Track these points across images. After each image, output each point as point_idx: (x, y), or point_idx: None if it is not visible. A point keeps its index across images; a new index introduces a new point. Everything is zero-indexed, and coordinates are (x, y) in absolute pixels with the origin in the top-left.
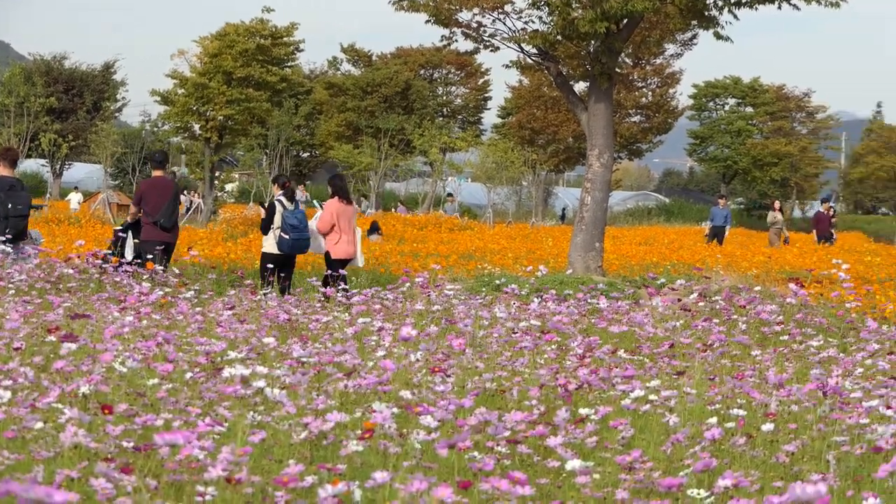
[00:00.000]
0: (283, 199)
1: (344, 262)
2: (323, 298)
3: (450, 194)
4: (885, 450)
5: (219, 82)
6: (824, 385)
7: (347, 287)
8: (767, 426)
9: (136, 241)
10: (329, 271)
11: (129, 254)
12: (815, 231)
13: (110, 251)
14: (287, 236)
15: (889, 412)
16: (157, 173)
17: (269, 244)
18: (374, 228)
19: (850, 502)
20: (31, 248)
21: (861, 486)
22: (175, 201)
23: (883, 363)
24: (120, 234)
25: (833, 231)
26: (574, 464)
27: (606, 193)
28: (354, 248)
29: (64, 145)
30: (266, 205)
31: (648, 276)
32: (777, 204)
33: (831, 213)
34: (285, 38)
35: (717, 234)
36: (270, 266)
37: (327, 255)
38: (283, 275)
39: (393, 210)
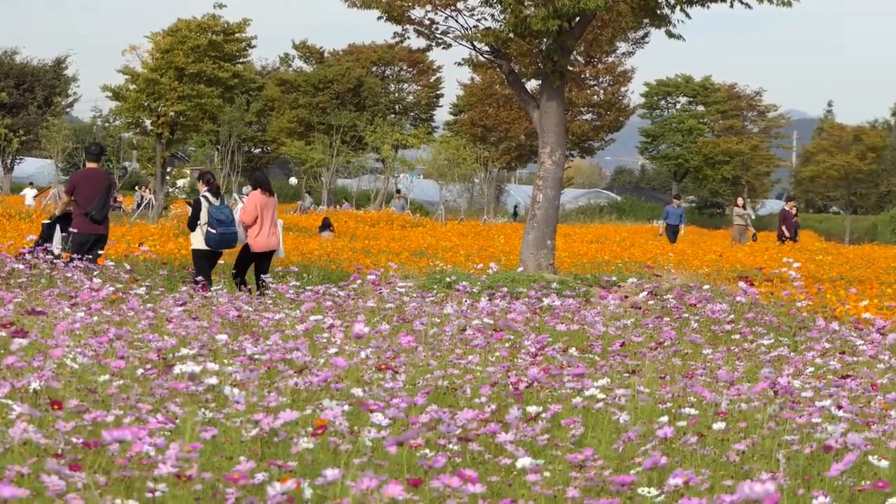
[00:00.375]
0: (208, 195)
1: (265, 255)
2: (243, 286)
3: (398, 190)
4: (834, 449)
5: (170, 78)
6: (774, 384)
7: (269, 279)
8: (719, 425)
9: (65, 234)
10: (246, 264)
11: (56, 247)
12: (782, 228)
13: (37, 243)
14: (214, 231)
15: (839, 412)
16: (91, 165)
17: (198, 240)
18: (325, 225)
19: (801, 501)
20: None
21: (811, 485)
22: (107, 194)
23: (833, 362)
24: (47, 226)
25: (797, 229)
26: (525, 462)
27: (558, 191)
28: (276, 240)
29: (15, 140)
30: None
31: (601, 277)
32: (740, 200)
33: (794, 210)
34: (237, 35)
35: (671, 233)
36: (239, 264)
37: (246, 247)
38: (259, 266)
39: (337, 207)
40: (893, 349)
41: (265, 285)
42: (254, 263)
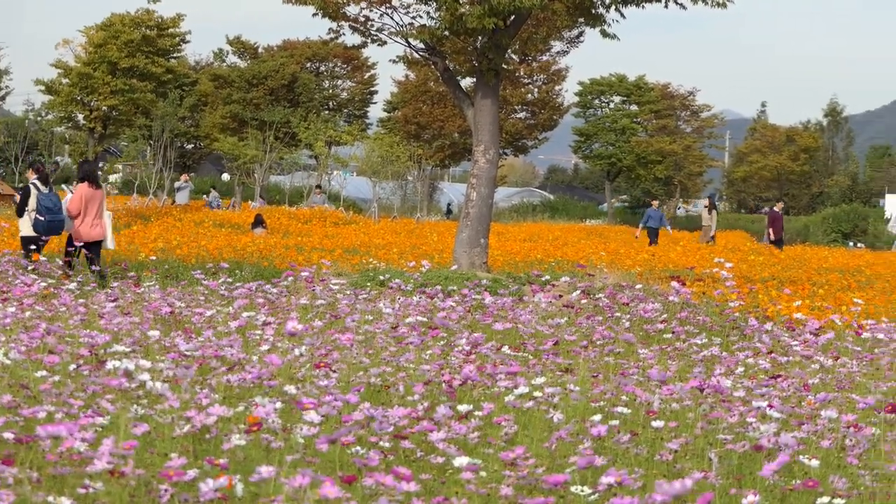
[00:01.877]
0: (37, 182)
1: (93, 244)
2: (67, 269)
3: (318, 186)
4: (766, 448)
5: (103, 72)
6: (704, 383)
7: (99, 268)
8: (657, 423)
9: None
10: (70, 250)
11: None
12: (769, 231)
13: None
14: (42, 218)
15: (771, 411)
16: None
17: (26, 227)
18: (258, 222)
19: (733, 500)
20: None
21: (743, 484)
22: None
23: (764, 362)
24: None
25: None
26: (462, 461)
27: (492, 189)
28: (102, 231)
29: None
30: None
31: (532, 273)
32: (706, 202)
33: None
34: (171, 29)
35: (652, 235)
36: (33, 247)
37: (70, 236)
38: (90, 257)
39: (251, 203)
40: (825, 349)
41: (102, 275)
42: (84, 252)
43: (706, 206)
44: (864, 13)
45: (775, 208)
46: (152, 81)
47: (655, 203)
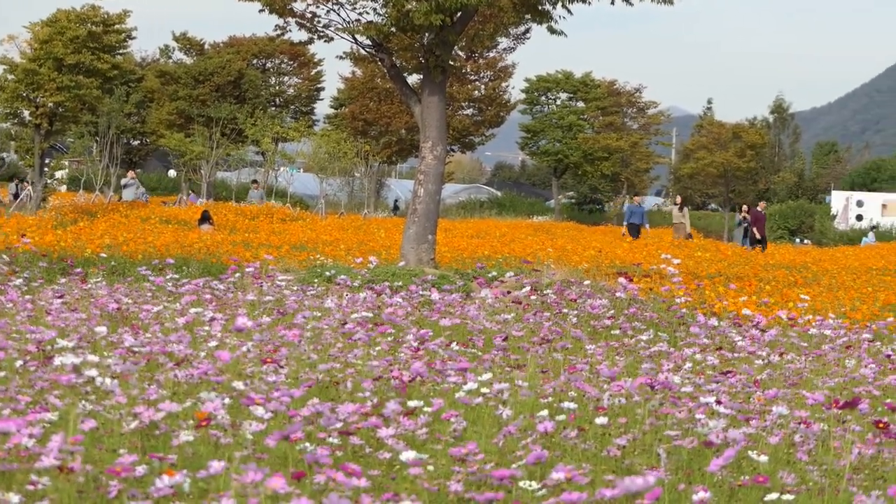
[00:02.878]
0: None
1: None
2: None
3: (254, 180)
4: (715, 444)
5: (49, 69)
6: (653, 380)
7: None
8: (600, 419)
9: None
10: None
11: None
12: (753, 230)
13: None
14: None
15: (719, 407)
16: None
17: None
18: (205, 218)
19: (682, 496)
20: None
21: (692, 480)
22: None
23: (712, 358)
24: None
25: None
26: (407, 455)
27: (439, 186)
28: None
29: None
30: None
31: (478, 268)
32: (679, 199)
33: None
34: (117, 26)
35: (634, 231)
36: None
37: None
38: None
39: (183, 198)
40: (772, 345)
41: None
42: None
43: (677, 205)
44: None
45: (758, 208)
46: (98, 78)
47: (637, 199)
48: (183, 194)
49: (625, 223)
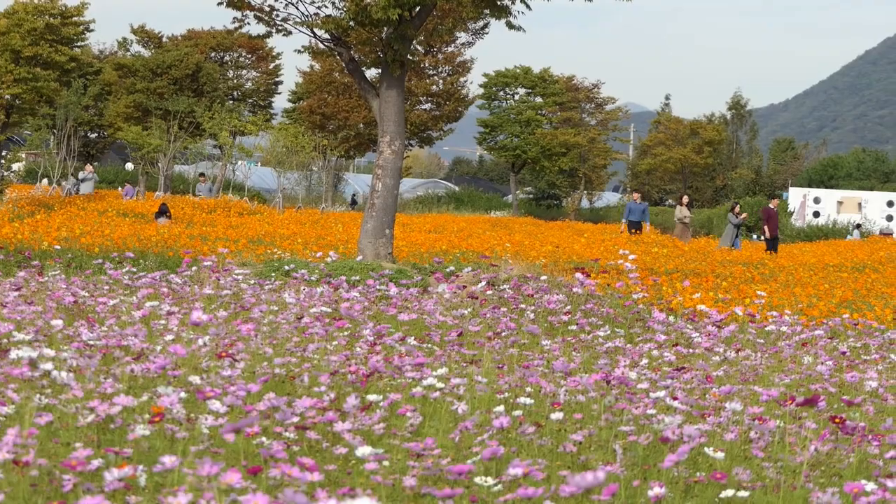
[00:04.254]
0: None
1: None
2: None
3: (202, 174)
4: (671, 440)
5: (6, 60)
6: (609, 375)
7: None
8: (556, 415)
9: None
10: None
11: None
12: (766, 228)
13: None
14: None
15: (675, 403)
16: None
17: None
18: (162, 211)
19: (638, 492)
20: None
21: (648, 476)
22: None
23: (669, 354)
24: None
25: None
26: (364, 450)
27: (397, 180)
28: None
29: None
30: None
31: (435, 262)
32: (685, 199)
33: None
34: (75, 18)
35: (634, 229)
36: None
37: None
38: None
39: (120, 190)
40: (729, 342)
41: None
42: None
43: (684, 204)
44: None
45: (770, 205)
46: (56, 70)
47: (637, 196)
48: (140, 187)
49: (624, 220)
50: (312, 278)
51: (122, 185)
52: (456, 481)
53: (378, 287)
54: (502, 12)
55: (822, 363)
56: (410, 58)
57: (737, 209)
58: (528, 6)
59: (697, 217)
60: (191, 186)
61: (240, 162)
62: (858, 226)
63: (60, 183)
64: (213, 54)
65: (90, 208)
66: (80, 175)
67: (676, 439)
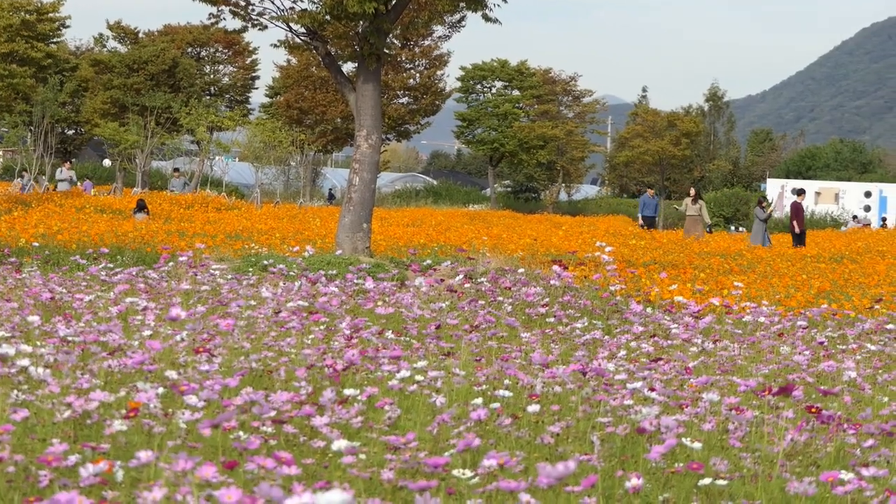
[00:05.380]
0: None
1: None
2: None
3: (176, 168)
4: (648, 431)
5: None
6: (586, 367)
7: None
8: (533, 407)
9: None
10: None
11: None
12: (794, 224)
13: None
14: None
15: (653, 394)
16: None
17: None
18: (140, 206)
19: (617, 483)
20: None
21: (626, 467)
22: None
23: (646, 345)
24: None
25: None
26: (340, 444)
27: (374, 174)
28: None
29: None
30: None
31: (409, 252)
32: (692, 191)
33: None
34: (51, 14)
35: (649, 224)
36: None
37: None
38: None
39: (80, 185)
40: (707, 333)
41: None
42: None
43: (693, 196)
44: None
45: (797, 199)
46: (32, 66)
47: (651, 191)
48: (118, 183)
49: (640, 214)
50: (290, 273)
51: (81, 180)
52: (433, 474)
53: (356, 281)
54: (478, 5)
55: (800, 353)
56: (387, 51)
57: (764, 203)
58: None
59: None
60: (167, 182)
61: (217, 157)
62: (855, 216)
63: (37, 179)
64: (189, 50)
65: (67, 205)
66: (57, 174)
67: (654, 430)
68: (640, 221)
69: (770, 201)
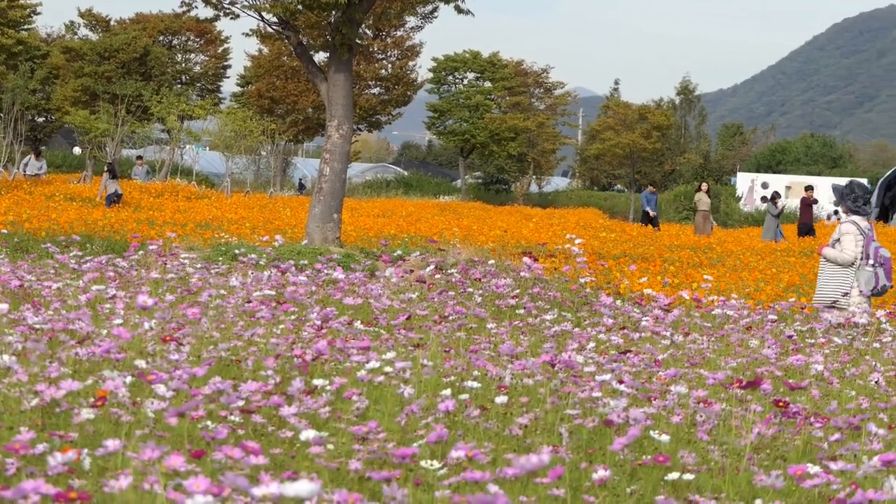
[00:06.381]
0: None
1: None
2: None
3: (139, 157)
4: (616, 423)
5: None
6: (555, 358)
7: None
8: (502, 398)
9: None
10: None
11: None
12: (800, 219)
13: None
14: None
15: (621, 387)
16: None
17: None
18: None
19: (583, 475)
20: None
21: (593, 459)
22: None
23: (616, 338)
24: None
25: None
26: (308, 434)
27: (345, 165)
28: None
29: None
30: None
31: (381, 243)
32: (704, 186)
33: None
34: (21, 1)
35: (652, 220)
36: None
37: None
38: None
39: (19, 172)
40: (676, 326)
41: None
42: None
43: (704, 190)
44: None
45: (806, 195)
46: (2, 53)
47: (652, 188)
48: (88, 171)
49: (644, 210)
50: (260, 262)
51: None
52: (401, 464)
53: (326, 271)
54: None
55: (769, 347)
56: (359, 42)
57: (777, 199)
58: None
59: None
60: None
61: (188, 146)
62: (836, 211)
63: (6, 167)
64: (161, 38)
65: (37, 192)
66: (25, 161)
67: (622, 422)
68: (650, 214)
69: (781, 197)
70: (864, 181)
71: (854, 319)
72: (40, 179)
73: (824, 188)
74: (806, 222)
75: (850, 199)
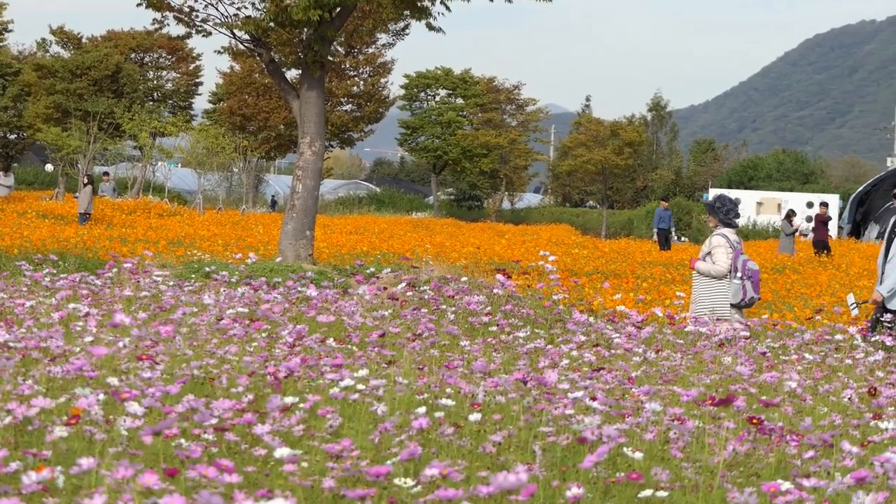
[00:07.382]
0: None
1: None
2: None
3: (105, 173)
4: (590, 440)
5: None
6: (527, 376)
7: None
8: (475, 416)
9: None
10: None
11: None
12: (815, 236)
13: None
14: None
15: (594, 404)
16: None
17: None
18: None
19: (556, 492)
20: None
21: (567, 477)
22: None
23: (589, 355)
24: None
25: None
26: (282, 452)
27: (318, 181)
28: None
29: None
30: None
31: (356, 264)
32: (664, 203)
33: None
34: None
35: (662, 238)
36: None
37: None
38: None
39: (59, 191)
40: (649, 342)
41: None
42: None
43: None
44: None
45: (820, 212)
46: None
47: (665, 203)
48: (60, 188)
49: (655, 228)
50: (232, 280)
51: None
52: (374, 482)
53: (298, 288)
54: (422, 13)
55: (742, 364)
56: (331, 59)
57: (793, 217)
58: (447, 7)
59: (618, 218)
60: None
61: (160, 163)
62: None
63: None
64: (133, 55)
65: (9, 210)
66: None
67: (595, 440)
68: (654, 236)
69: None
70: (836, 197)
71: (741, 333)
72: (10, 196)
73: (795, 204)
74: (822, 240)
75: (721, 212)
